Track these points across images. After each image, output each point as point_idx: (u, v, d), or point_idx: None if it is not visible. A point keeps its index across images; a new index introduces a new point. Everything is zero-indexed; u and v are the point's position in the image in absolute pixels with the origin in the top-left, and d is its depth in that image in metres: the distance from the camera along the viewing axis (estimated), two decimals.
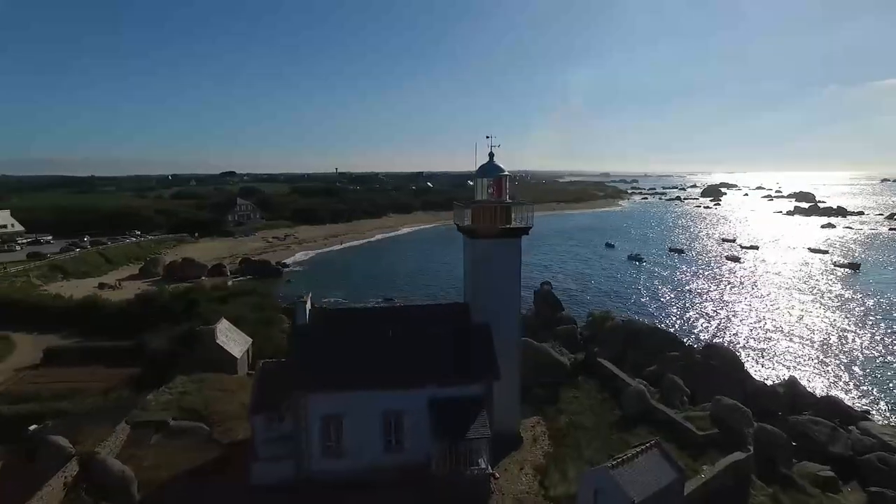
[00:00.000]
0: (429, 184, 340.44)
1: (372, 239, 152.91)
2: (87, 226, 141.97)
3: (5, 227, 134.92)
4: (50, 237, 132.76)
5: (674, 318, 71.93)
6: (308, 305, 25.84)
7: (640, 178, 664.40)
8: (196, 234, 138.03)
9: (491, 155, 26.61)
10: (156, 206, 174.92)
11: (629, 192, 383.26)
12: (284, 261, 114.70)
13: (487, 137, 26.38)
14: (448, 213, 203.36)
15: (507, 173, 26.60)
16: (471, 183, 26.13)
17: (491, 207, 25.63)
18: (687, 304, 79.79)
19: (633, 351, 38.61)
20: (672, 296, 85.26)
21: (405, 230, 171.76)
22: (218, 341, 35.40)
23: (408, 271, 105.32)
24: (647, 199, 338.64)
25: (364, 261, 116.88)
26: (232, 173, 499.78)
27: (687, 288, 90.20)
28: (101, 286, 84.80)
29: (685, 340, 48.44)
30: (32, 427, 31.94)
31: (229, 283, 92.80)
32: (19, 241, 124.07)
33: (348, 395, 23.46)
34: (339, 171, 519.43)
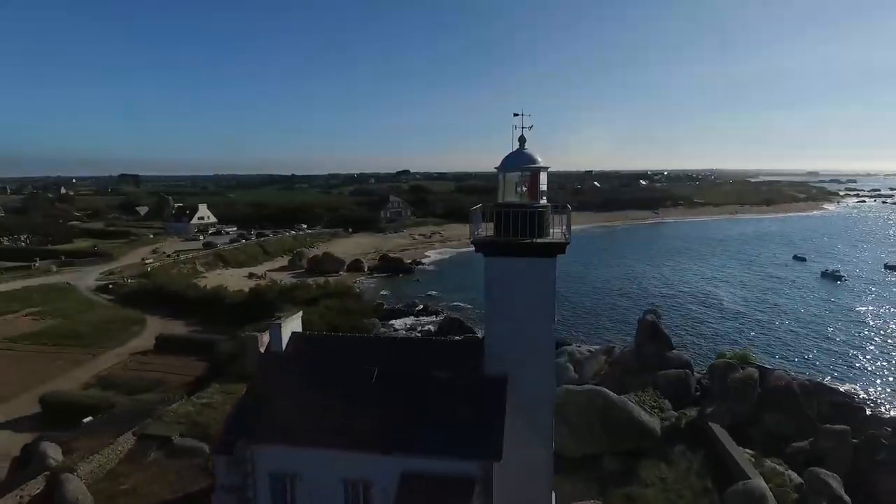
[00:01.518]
0: (596, 183, 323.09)
1: None
2: (266, 219, 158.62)
3: (202, 218, 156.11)
4: (234, 228, 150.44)
5: (861, 373, 50.33)
6: (289, 327, 21.24)
7: (860, 178, 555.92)
8: (350, 230, 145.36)
9: (521, 140, 19.22)
10: (326, 203, 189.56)
11: (841, 193, 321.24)
12: (421, 259, 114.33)
13: (516, 115, 19.07)
14: (608, 213, 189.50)
15: (542, 165, 19.03)
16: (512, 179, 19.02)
17: (517, 212, 18.34)
18: (893, 351, 56.59)
19: (774, 415, 27.37)
20: (871, 334, 61.91)
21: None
22: (261, 349, 33.07)
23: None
24: (864, 202, 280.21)
25: None
26: (406, 172, 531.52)
27: None
28: (251, 276, 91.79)
29: (870, 408, 34.12)
30: (86, 419, 32.38)
31: (362, 279, 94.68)
32: (209, 232, 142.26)
33: (302, 452, 18.27)
34: None
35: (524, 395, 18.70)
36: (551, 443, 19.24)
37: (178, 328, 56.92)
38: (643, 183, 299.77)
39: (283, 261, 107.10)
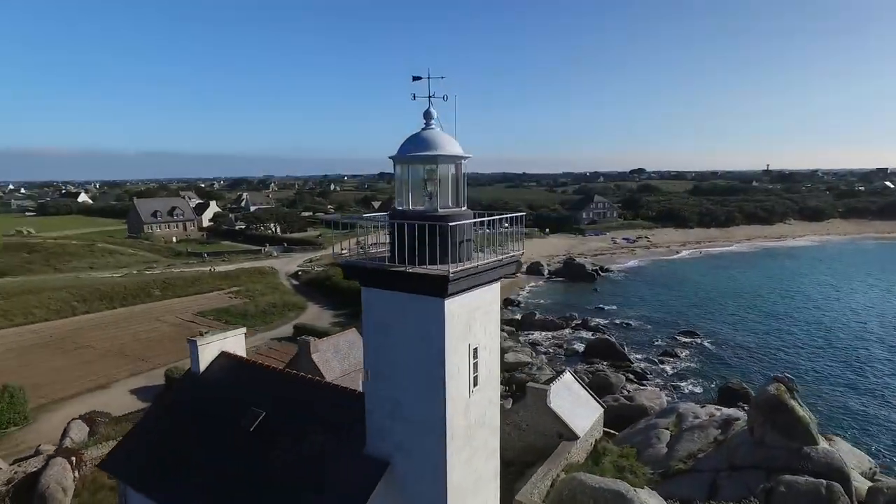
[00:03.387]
0: (887, 183, 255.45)
1: (735, 248, 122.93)
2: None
3: None
4: None
5: None
6: (215, 346, 18.45)
7: None
8: (546, 230, 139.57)
9: (427, 116, 12.81)
10: (539, 201, 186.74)
11: None
12: (610, 266, 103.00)
13: (416, 79, 12.66)
14: (884, 222, 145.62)
15: (455, 153, 12.44)
16: None
17: (412, 225, 12.18)
18: None
19: None
20: None
21: (799, 241, 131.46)
22: (313, 355, 31.30)
23: (752, 293, 78.45)
24: None
25: (704, 275, 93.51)
26: (641, 170, 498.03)
27: None
28: None
29: None
30: None
31: (533, 283, 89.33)
32: None
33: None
34: (769, 167, 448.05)
35: (412, 499, 12.67)
36: None
37: (324, 319, 60.01)
38: None
39: None
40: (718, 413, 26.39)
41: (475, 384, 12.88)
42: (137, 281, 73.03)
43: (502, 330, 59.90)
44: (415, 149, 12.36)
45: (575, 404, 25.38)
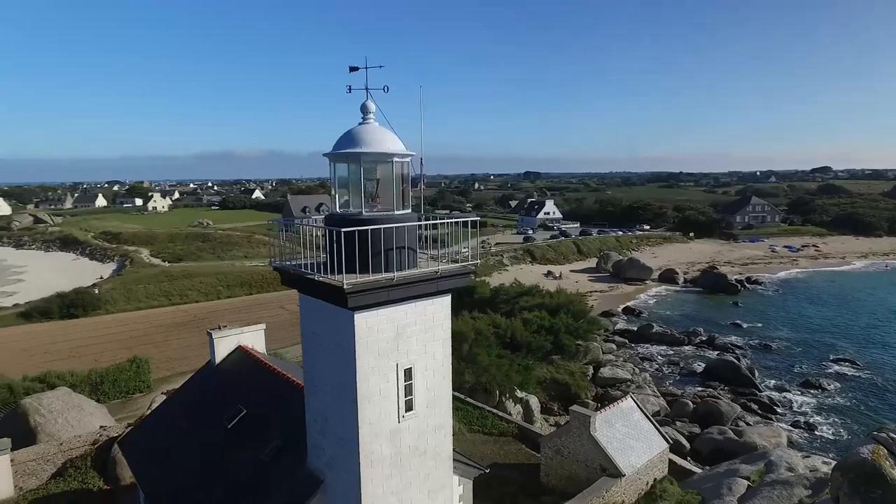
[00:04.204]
0: None
1: None
2: (609, 217, 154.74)
3: (548, 213, 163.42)
4: (576, 224, 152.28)
5: None
6: (231, 340, 19.13)
7: None
8: (691, 234, 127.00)
9: (364, 110, 11.52)
10: (690, 203, 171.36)
11: None
12: (761, 277, 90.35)
13: (353, 70, 11.37)
14: None
15: (395, 151, 11.09)
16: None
17: (340, 232, 11.12)
18: None
19: None
20: None
21: None
22: None
23: None
24: None
25: (883, 292, 77.43)
26: (826, 168, 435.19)
27: None
28: (548, 274, 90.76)
29: None
30: None
31: (673, 291, 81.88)
32: (555, 227, 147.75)
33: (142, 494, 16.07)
34: None
35: None
36: None
37: None
38: None
39: (593, 262, 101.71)
40: (825, 468, 21.22)
41: (408, 408, 11.51)
42: (271, 270, 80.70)
43: (611, 340, 55.53)
44: (342, 145, 11.32)
45: (630, 436, 22.21)
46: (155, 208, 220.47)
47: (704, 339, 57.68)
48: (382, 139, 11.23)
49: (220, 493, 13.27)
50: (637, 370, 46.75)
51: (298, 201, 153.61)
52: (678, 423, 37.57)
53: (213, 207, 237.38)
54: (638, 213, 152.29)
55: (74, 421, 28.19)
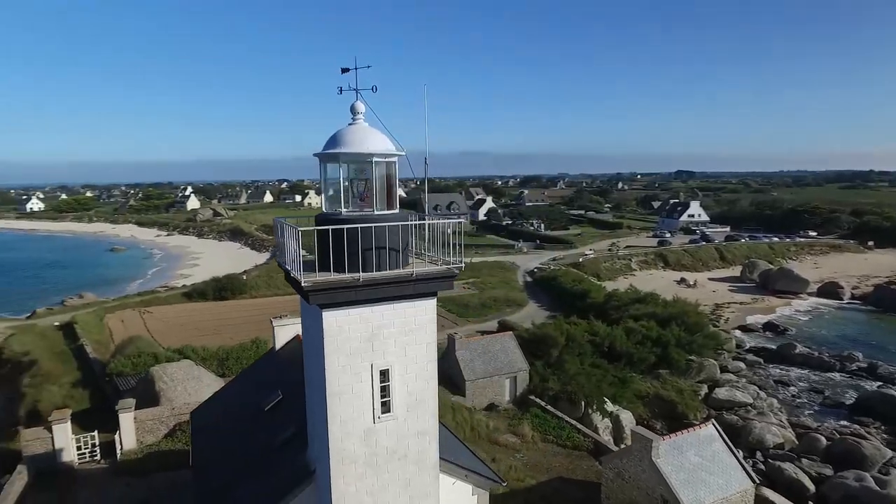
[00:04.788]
0: None
1: None
2: (768, 221, 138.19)
3: (692, 216, 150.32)
4: (726, 228, 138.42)
5: None
6: (293, 329, 20.44)
7: None
8: (870, 243, 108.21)
9: (354, 111, 11.39)
10: (859, 205, 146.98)
11: None
12: None
13: (345, 71, 11.22)
14: None
15: (385, 151, 10.94)
16: None
17: (327, 231, 11.26)
18: None
19: None
20: None
21: None
22: (457, 353, 30.72)
23: None
24: None
25: None
26: None
27: None
28: (681, 281, 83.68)
29: None
30: None
31: (833, 307, 71.21)
32: (700, 231, 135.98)
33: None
34: None
35: None
36: None
37: (534, 318, 59.16)
38: None
39: (737, 270, 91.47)
40: None
41: (385, 410, 11.40)
42: None
43: (741, 358, 49.64)
44: (326, 146, 11.50)
45: (703, 468, 19.70)
46: (310, 203, 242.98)
47: (864, 365, 49.02)
48: (363, 139, 11.20)
49: (229, 472, 14.29)
50: (763, 394, 41.14)
51: (431, 199, 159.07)
52: (804, 461, 32.51)
53: None
54: (803, 216, 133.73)
55: (192, 389, 32.19)
